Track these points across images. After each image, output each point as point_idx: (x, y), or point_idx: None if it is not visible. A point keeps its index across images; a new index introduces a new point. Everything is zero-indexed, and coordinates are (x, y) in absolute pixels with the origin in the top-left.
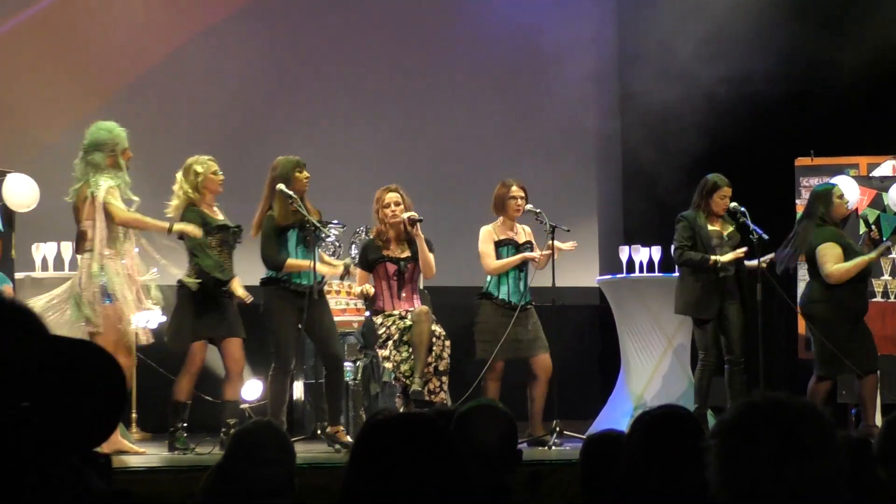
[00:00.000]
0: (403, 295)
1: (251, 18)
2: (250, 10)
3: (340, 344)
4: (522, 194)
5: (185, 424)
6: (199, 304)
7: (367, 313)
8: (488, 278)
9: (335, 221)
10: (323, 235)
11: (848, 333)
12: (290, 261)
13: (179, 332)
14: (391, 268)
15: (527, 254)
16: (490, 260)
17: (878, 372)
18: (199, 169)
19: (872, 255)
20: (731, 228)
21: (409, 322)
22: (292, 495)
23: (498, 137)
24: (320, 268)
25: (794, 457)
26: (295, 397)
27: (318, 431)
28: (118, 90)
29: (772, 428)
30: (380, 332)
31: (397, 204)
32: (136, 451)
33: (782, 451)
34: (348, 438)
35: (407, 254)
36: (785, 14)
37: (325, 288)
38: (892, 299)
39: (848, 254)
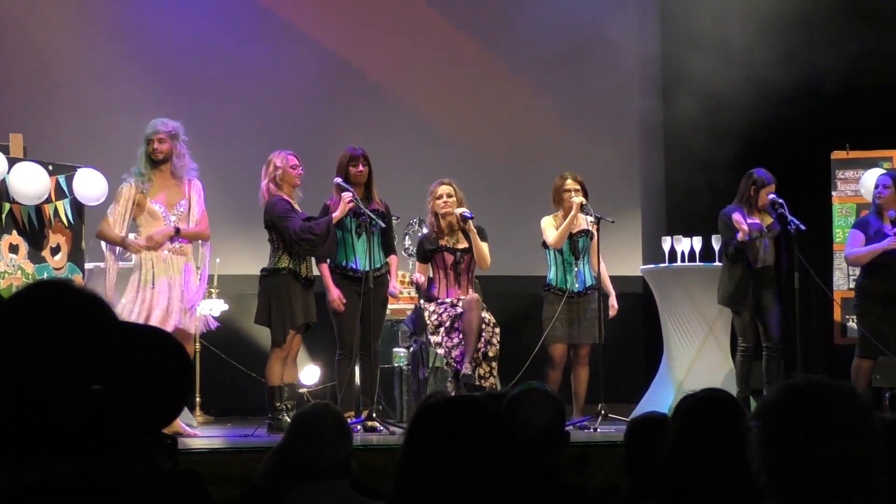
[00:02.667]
0: (461, 284)
1: (307, 20)
2: (305, 11)
3: (380, 335)
4: (577, 186)
5: (287, 406)
6: (297, 293)
7: (419, 301)
8: (550, 271)
9: (393, 215)
10: (376, 224)
11: (878, 316)
12: None
13: (284, 319)
14: (448, 258)
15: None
16: (550, 233)
17: None
18: (278, 163)
19: (881, 245)
20: (770, 220)
21: (460, 310)
22: (350, 475)
23: (548, 131)
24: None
25: (834, 438)
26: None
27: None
28: (179, 87)
29: (812, 409)
30: (431, 318)
31: (449, 196)
32: (188, 433)
33: (822, 433)
34: (375, 423)
35: (464, 245)
36: (828, 8)
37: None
38: None
39: (875, 240)
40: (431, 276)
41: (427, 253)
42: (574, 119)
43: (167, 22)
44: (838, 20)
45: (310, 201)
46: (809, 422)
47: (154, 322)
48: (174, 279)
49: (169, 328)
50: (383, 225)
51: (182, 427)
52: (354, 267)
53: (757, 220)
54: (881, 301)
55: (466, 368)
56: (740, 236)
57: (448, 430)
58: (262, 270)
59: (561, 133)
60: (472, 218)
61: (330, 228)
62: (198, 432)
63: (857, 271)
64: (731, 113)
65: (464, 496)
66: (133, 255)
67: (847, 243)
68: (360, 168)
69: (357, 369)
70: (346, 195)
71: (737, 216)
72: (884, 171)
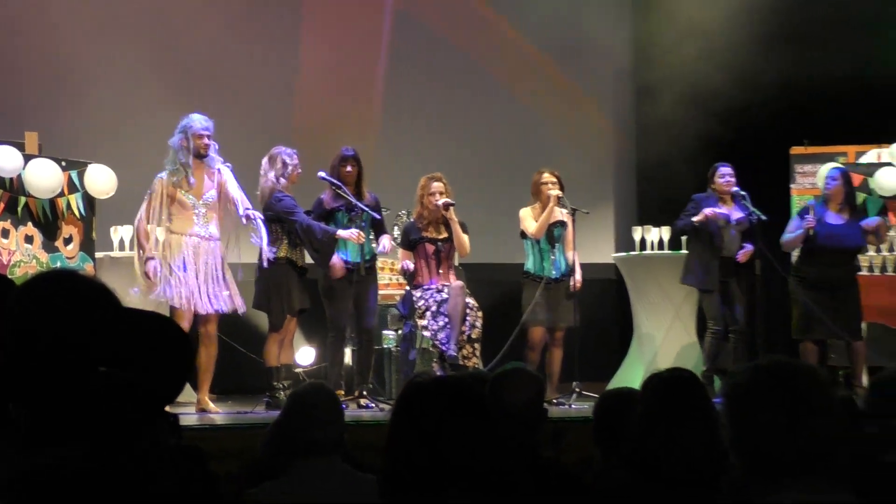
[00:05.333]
0: (441, 271)
1: (301, 21)
2: (298, 11)
3: (374, 322)
4: (554, 180)
5: (284, 385)
6: (294, 280)
7: (408, 288)
8: (528, 260)
9: (383, 207)
10: (365, 217)
11: (820, 300)
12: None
13: (281, 306)
14: (430, 247)
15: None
16: (530, 223)
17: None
18: (287, 160)
19: (800, 232)
20: (738, 213)
21: (445, 295)
22: (342, 450)
23: (528, 128)
24: None
25: (800, 416)
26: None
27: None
28: (187, 86)
29: (778, 388)
30: (419, 304)
31: (441, 192)
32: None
33: (789, 411)
34: (366, 401)
35: (444, 235)
36: (792, 9)
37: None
38: (876, 273)
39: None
40: (415, 264)
41: (411, 242)
42: (552, 116)
43: (177, 22)
44: (799, 21)
45: (297, 197)
46: (776, 401)
47: (179, 304)
48: (204, 264)
49: (196, 311)
50: (378, 217)
51: (209, 404)
52: (346, 258)
53: (724, 210)
54: (813, 285)
55: (452, 350)
56: (696, 219)
57: (432, 407)
58: (261, 260)
59: (539, 130)
60: (453, 205)
61: (330, 241)
62: (219, 409)
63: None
64: (699, 110)
65: (447, 469)
66: (160, 242)
67: (786, 229)
68: (349, 168)
69: (348, 351)
70: (352, 233)
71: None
72: (835, 166)
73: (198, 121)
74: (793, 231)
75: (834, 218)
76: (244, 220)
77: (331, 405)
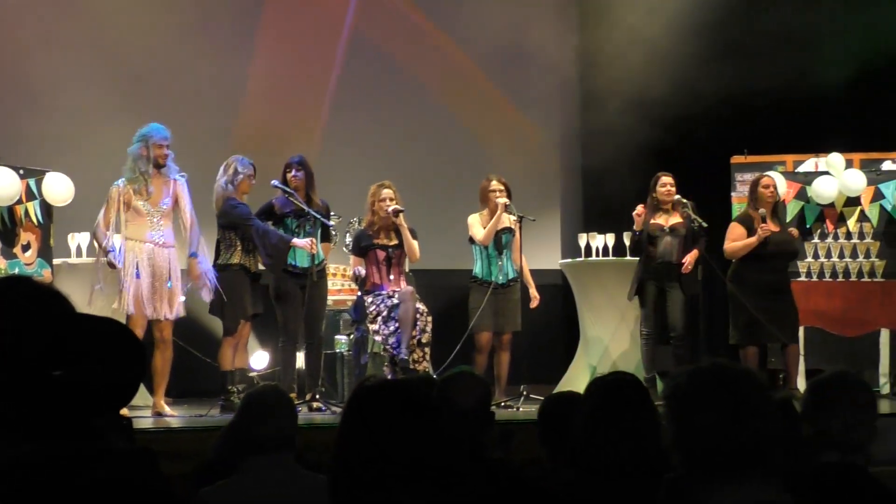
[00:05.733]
0: (392, 277)
1: (252, 25)
2: (251, 16)
3: (322, 325)
4: (502, 187)
5: (238, 389)
6: (247, 286)
7: (360, 293)
8: (476, 265)
9: (334, 214)
10: (315, 224)
11: (760, 306)
12: None
13: (235, 311)
14: (381, 254)
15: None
16: (478, 230)
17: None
18: (241, 169)
19: (752, 239)
20: (676, 220)
21: (396, 301)
22: (294, 450)
23: (475, 136)
24: None
25: (738, 417)
26: (297, 366)
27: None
28: (143, 94)
29: (717, 390)
30: (370, 309)
31: (391, 199)
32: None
33: (726, 411)
34: (319, 404)
35: (394, 241)
36: (727, 29)
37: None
38: (814, 279)
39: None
40: (366, 270)
41: (362, 248)
42: (499, 125)
43: (131, 32)
44: (740, 35)
45: (249, 205)
46: (714, 402)
47: (135, 310)
48: (159, 271)
49: (150, 317)
50: (328, 223)
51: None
52: (295, 264)
53: (660, 222)
54: (754, 290)
55: (404, 353)
56: (635, 226)
57: (381, 409)
58: (214, 266)
59: (487, 138)
60: (403, 211)
61: (283, 248)
62: (174, 413)
63: None
64: (644, 119)
65: (395, 470)
66: (118, 248)
67: (728, 236)
68: (294, 173)
69: (301, 355)
70: (306, 242)
71: (638, 209)
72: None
73: (157, 131)
74: (740, 239)
75: (772, 225)
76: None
77: (283, 403)
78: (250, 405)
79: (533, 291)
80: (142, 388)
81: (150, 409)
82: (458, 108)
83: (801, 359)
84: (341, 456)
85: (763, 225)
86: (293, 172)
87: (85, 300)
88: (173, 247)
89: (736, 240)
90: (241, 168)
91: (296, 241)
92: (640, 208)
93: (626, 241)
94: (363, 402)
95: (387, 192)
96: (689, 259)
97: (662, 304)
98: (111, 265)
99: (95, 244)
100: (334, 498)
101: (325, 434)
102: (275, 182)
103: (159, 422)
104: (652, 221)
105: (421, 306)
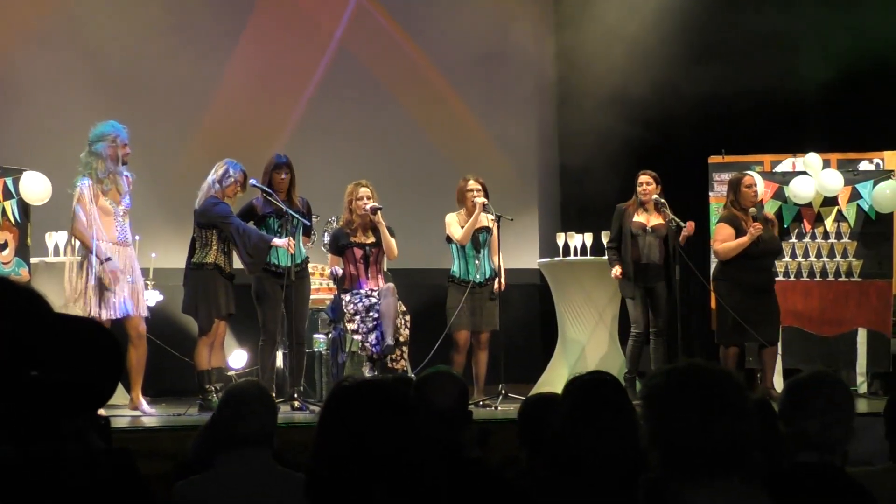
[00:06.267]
0: (370, 275)
1: (238, 28)
2: (236, 21)
3: (305, 325)
4: (479, 187)
5: (216, 388)
6: (221, 285)
7: (337, 292)
8: (454, 264)
9: (314, 214)
10: (296, 223)
11: (746, 306)
12: None
13: (209, 310)
14: (358, 252)
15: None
16: (456, 229)
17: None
18: (232, 174)
19: (745, 238)
20: (657, 220)
21: (374, 299)
22: (272, 447)
23: (454, 135)
24: None
25: (715, 417)
26: (276, 365)
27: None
28: (118, 92)
29: (694, 390)
30: (348, 308)
31: (369, 198)
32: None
33: (703, 411)
34: (299, 403)
35: (372, 240)
36: (706, 30)
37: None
38: (792, 278)
39: (741, 235)
40: (343, 268)
41: (340, 247)
42: (477, 124)
43: (109, 31)
44: (719, 35)
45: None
46: (691, 402)
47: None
48: (125, 269)
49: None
50: (309, 224)
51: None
52: (277, 263)
53: (642, 220)
54: (741, 290)
55: (389, 341)
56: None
57: (359, 409)
58: (189, 264)
59: (465, 137)
60: (381, 209)
61: (263, 248)
62: (154, 411)
63: None
64: (622, 118)
65: (373, 469)
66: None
67: (717, 237)
68: (283, 175)
69: (281, 354)
70: (283, 242)
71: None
72: (754, 172)
73: (122, 130)
74: (730, 240)
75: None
76: None
77: (262, 399)
78: (230, 398)
79: (502, 280)
80: (119, 387)
81: (129, 405)
82: (436, 107)
83: (779, 358)
84: (319, 455)
85: (754, 224)
86: (282, 175)
87: (61, 300)
88: (132, 244)
89: (726, 240)
90: (232, 171)
91: (276, 241)
92: (617, 271)
93: (605, 241)
94: (341, 401)
95: (364, 191)
96: (690, 226)
97: (650, 303)
98: (115, 276)
99: (94, 255)
100: (311, 497)
101: (304, 433)
102: (253, 181)
103: (137, 421)
104: (634, 220)
105: (399, 305)
